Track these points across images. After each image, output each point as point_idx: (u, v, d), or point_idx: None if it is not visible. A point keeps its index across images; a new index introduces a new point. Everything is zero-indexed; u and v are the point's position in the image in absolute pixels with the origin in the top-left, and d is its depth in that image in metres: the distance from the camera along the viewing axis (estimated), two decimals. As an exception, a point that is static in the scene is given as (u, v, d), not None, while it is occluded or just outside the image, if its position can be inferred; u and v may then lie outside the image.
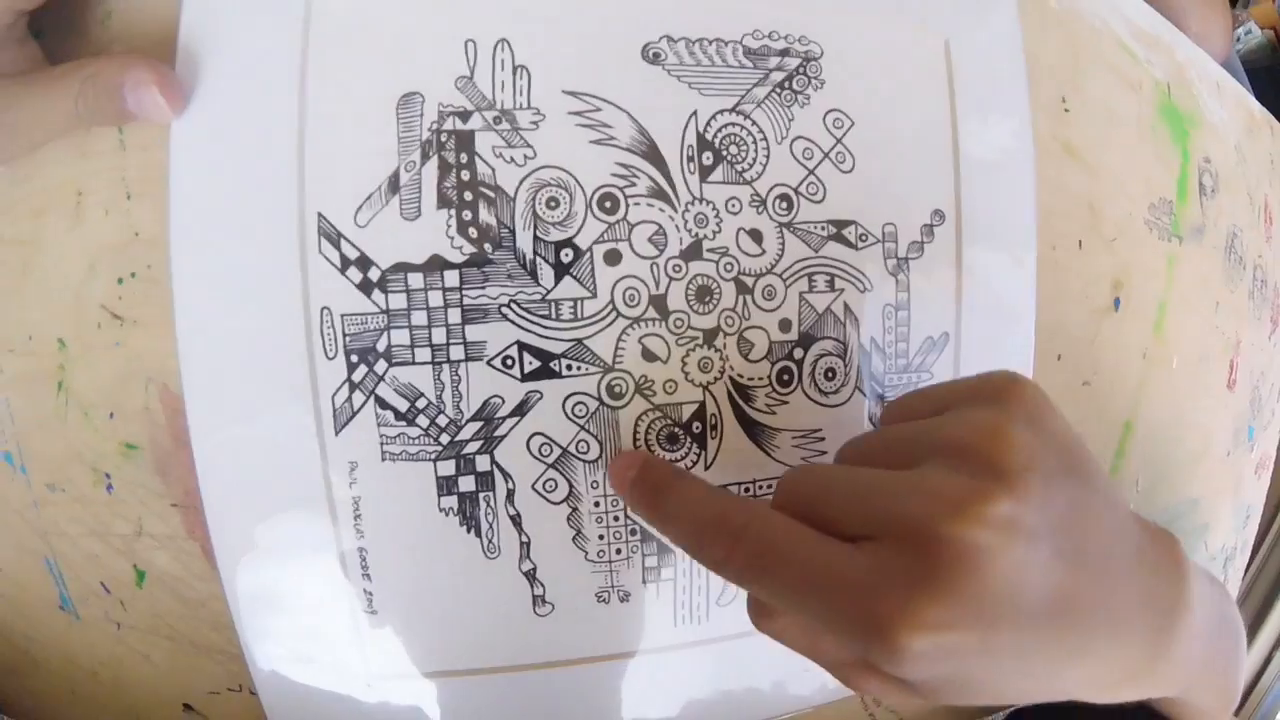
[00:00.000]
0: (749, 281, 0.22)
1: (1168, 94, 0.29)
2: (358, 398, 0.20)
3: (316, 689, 0.21)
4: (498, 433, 0.20)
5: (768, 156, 0.22)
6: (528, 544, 0.21)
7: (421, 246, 0.20)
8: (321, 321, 0.19)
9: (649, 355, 0.21)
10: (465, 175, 0.20)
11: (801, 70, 0.22)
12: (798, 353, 0.22)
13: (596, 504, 0.21)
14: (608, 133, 0.20)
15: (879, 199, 0.23)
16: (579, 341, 0.21)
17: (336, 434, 0.20)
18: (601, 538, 0.22)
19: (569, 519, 0.21)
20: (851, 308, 0.23)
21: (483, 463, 0.20)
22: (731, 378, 0.22)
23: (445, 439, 0.20)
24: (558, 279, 0.20)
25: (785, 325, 0.22)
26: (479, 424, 0.20)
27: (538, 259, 0.20)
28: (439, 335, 0.20)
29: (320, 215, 0.19)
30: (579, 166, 0.20)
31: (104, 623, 0.22)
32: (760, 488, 0.23)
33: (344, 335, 0.19)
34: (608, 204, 0.20)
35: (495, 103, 0.20)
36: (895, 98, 0.23)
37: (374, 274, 0.19)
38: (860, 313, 0.23)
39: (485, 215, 0.20)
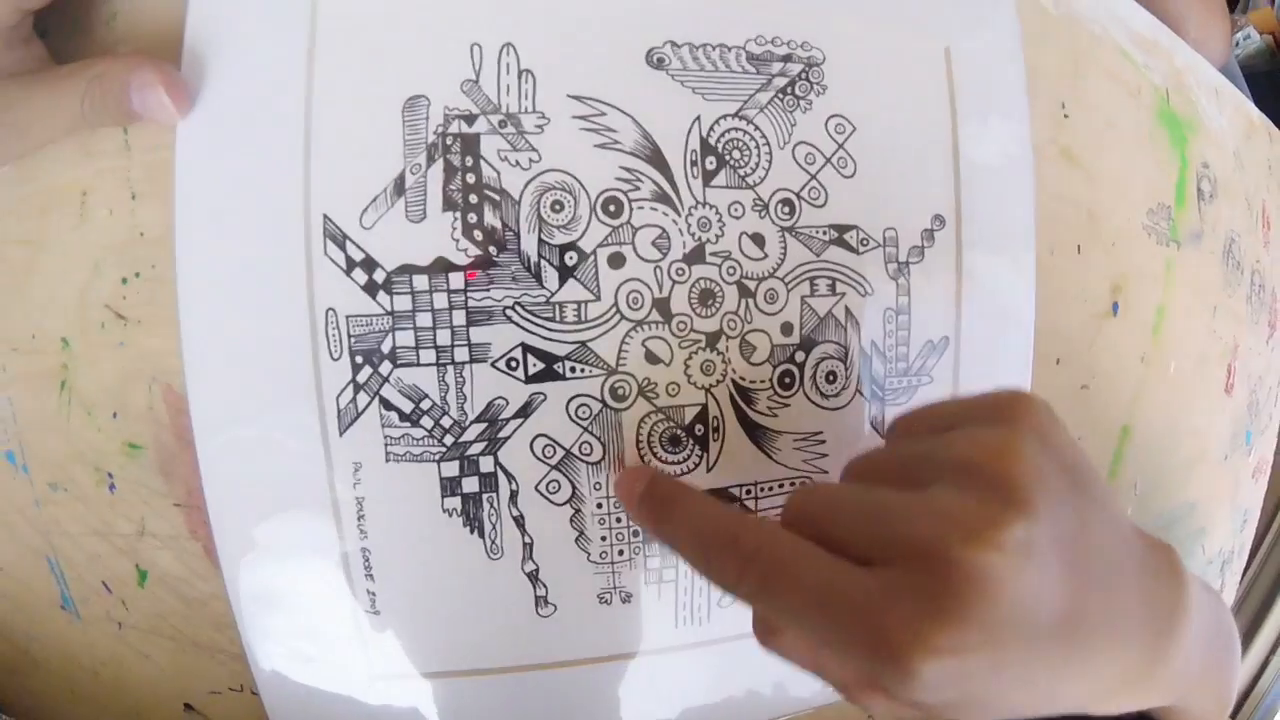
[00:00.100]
0: (751, 285, 0.22)
1: (1166, 100, 0.29)
2: (362, 399, 0.20)
3: (318, 689, 0.22)
4: (501, 434, 0.21)
5: (770, 161, 0.22)
6: (530, 545, 0.21)
7: (427, 248, 0.20)
8: (326, 323, 0.19)
9: (652, 358, 0.21)
10: (470, 178, 0.20)
11: (804, 76, 0.22)
12: (799, 356, 0.22)
13: (599, 505, 0.21)
14: (612, 137, 0.21)
15: (880, 204, 0.23)
16: (583, 344, 0.21)
17: (341, 435, 0.20)
18: (604, 539, 0.22)
19: (572, 520, 0.21)
20: (853, 311, 0.23)
21: (486, 464, 0.21)
22: (734, 380, 0.22)
23: (449, 440, 0.20)
24: (562, 282, 0.20)
25: (787, 329, 0.22)
26: (483, 425, 0.20)
27: (542, 262, 0.20)
28: (444, 337, 0.20)
29: (326, 217, 0.19)
30: (583, 170, 0.20)
31: (105, 622, 0.22)
32: (762, 490, 0.23)
33: (349, 336, 0.20)
34: (612, 208, 0.21)
35: (500, 106, 0.20)
36: (896, 103, 0.23)
37: (379, 276, 0.20)
38: (861, 316, 0.23)
39: (490, 218, 0.20)
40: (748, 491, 0.23)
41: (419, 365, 0.20)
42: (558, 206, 0.20)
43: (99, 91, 0.19)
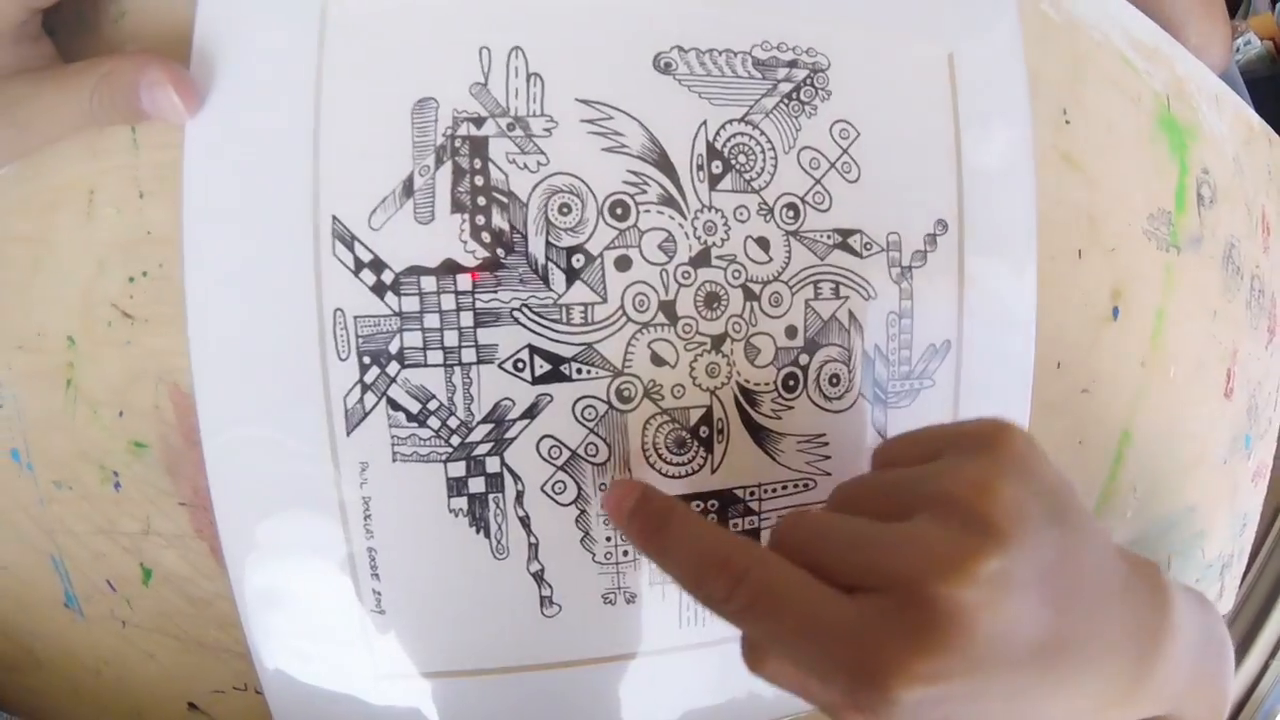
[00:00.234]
0: (756, 288, 0.22)
1: (1167, 106, 0.29)
2: (369, 399, 0.20)
3: (323, 688, 0.22)
4: (508, 435, 0.21)
5: (775, 166, 0.22)
6: (536, 545, 0.21)
7: (435, 250, 0.20)
8: (334, 323, 0.20)
9: (658, 360, 0.21)
10: (479, 181, 0.20)
11: (809, 81, 0.22)
12: (803, 359, 0.23)
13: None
14: (619, 141, 0.21)
15: (884, 208, 0.23)
16: (589, 346, 0.21)
17: (348, 435, 0.20)
18: (609, 539, 0.22)
19: (577, 521, 0.21)
20: (856, 315, 0.23)
21: (493, 464, 0.21)
22: (738, 383, 0.22)
23: (456, 440, 0.20)
24: (569, 284, 0.20)
25: (791, 332, 0.22)
26: (489, 426, 0.20)
27: (549, 264, 0.20)
28: (451, 338, 0.20)
29: (334, 218, 0.19)
30: (591, 173, 0.20)
31: (109, 621, 0.22)
32: (765, 491, 0.23)
33: (357, 337, 0.20)
34: (619, 211, 0.21)
35: (509, 109, 0.20)
36: (900, 109, 0.23)
37: (387, 277, 0.20)
38: (864, 320, 0.23)
39: (498, 220, 0.20)
40: (751, 493, 0.23)
41: (426, 366, 0.20)
42: (565, 209, 0.20)
43: (108, 90, 0.19)
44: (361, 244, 0.20)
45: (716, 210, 0.21)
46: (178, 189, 0.20)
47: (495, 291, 0.20)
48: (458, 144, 0.20)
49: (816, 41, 0.22)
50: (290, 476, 0.20)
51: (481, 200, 0.20)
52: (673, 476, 0.22)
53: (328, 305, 0.19)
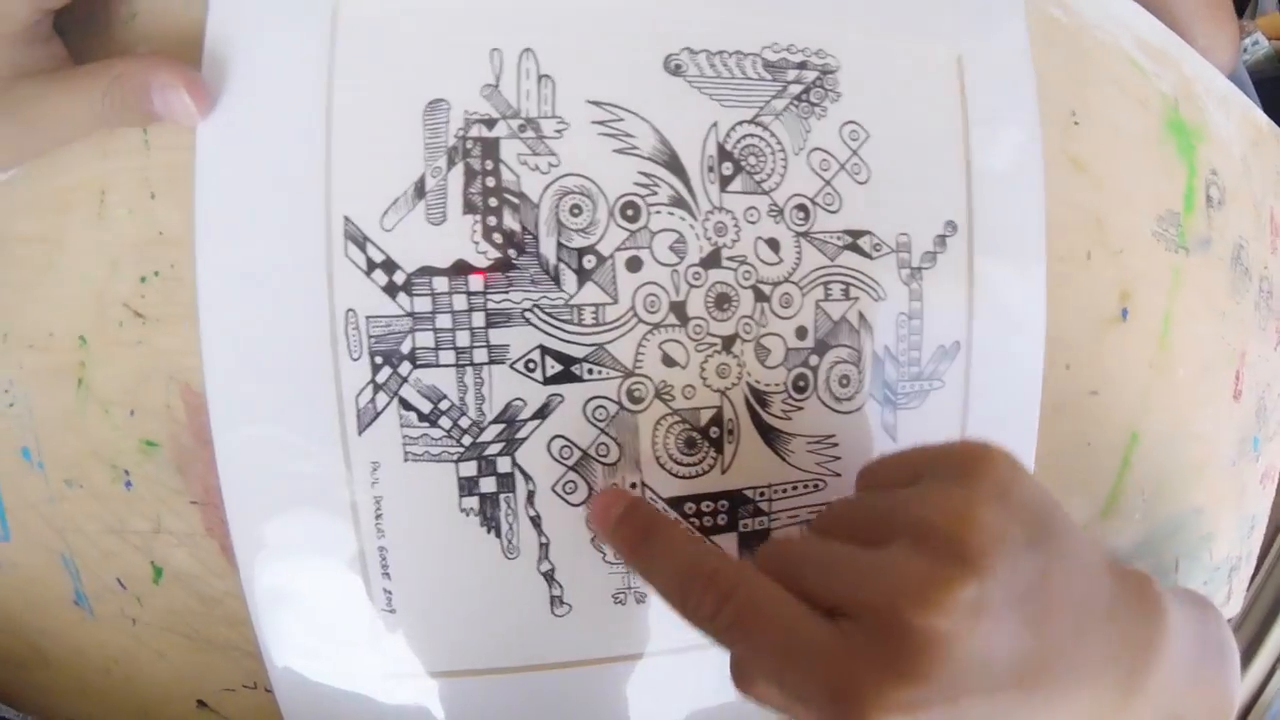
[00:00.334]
0: (767, 289, 0.22)
1: (1175, 108, 0.29)
2: (381, 399, 0.20)
3: (333, 687, 0.22)
4: (519, 435, 0.21)
5: (785, 167, 0.22)
6: (546, 545, 0.21)
7: (447, 251, 0.20)
8: (346, 323, 0.20)
9: (669, 361, 0.21)
10: (490, 182, 0.20)
11: (819, 83, 0.22)
12: (813, 360, 0.23)
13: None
14: (630, 142, 0.21)
15: (893, 209, 0.23)
16: (600, 346, 0.21)
17: (359, 434, 0.20)
18: (619, 540, 0.22)
19: (588, 521, 0.21)
20: (866, 316, 0.23)
21: (504, 464, 0.21)
22: (749, 384, 0.22)
23: (467, 440, 0.20)
24: (580, 285, 0.20)
25: (801, 333, 0.22)
26: (501, 426, 0.21)
27: (561, 265, 0.20)
28: (463, 338, 0.20)
29: (347, 218, 0.19)
30: (602, 175, 0.20)
31: (119, 619, 0.22)
32: (775, 492, 0.23)
33: (369, 337, 0.20)
34: (630, 212, 0.21)
35: (520, 111, 0.20)
36: (909, 110, 0.23)
37: (399, 277, 0.20)
38: (874, 321, 0.23)
39: (510, 221, 0.20)
40: (761, 494, 0.23)
41: (438, 366, 0.20)
42: (576, 210, 0.20)
43: (119, 92, 0.19)
44: (373, 244, 0.20)
45: (727, 211, 0.21)
46: (189, 190, 0.20)
47: (507, 292, 0.20)
48: (469, 145, 0.20)
49: (826, 43, 0.22)
50: (301, 476, 0.20)
51: (493, 201, 0.20)
52: (683, 477, 0.22)
53: (339, 305, 0.20)
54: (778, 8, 0.22)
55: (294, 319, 0.20)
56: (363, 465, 0.20)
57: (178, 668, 0.22)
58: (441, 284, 0.20)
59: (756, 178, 0.22)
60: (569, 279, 0.20)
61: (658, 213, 0.21)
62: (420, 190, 0.20)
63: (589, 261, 0.21)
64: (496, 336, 0.20)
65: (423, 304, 0.20)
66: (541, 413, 0.21)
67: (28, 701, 0.24)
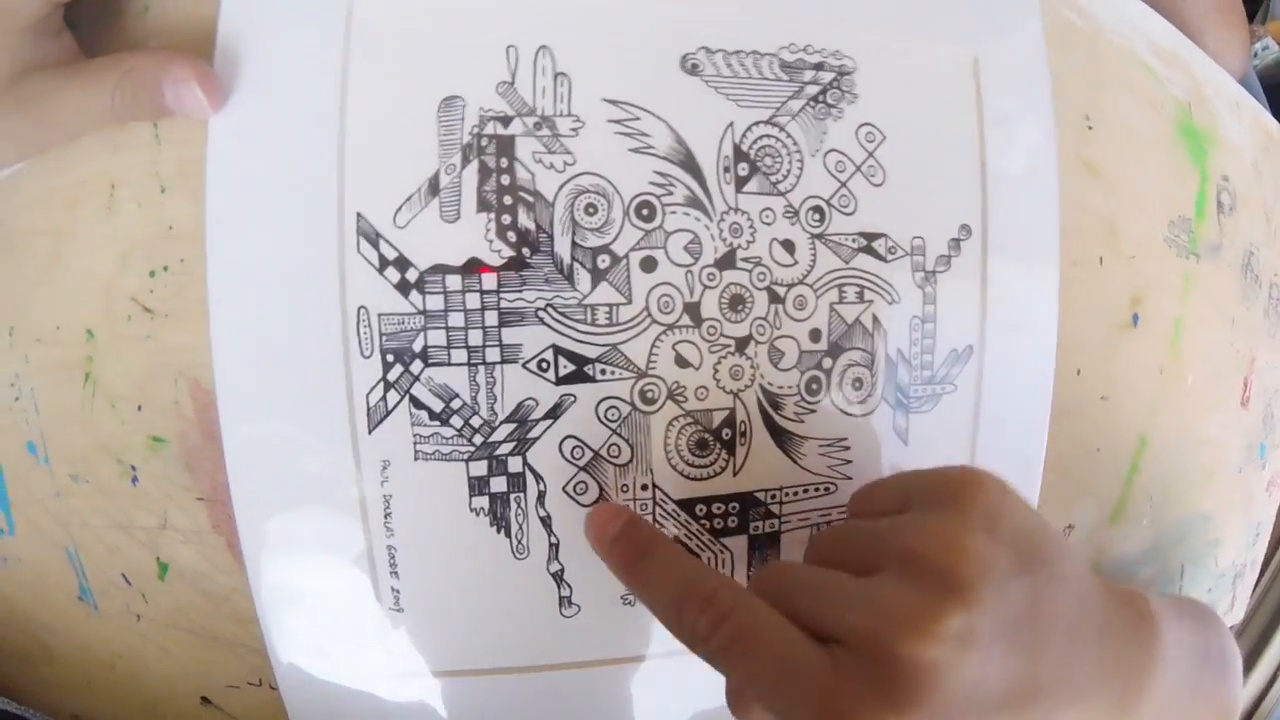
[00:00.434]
0: (781, 291, 0.22)
1: (1188, 113, 0.29)
2: (392, 397, 0.20)
3: (339, 685, 0.22)
4: (530, 435, 0.21)
5: (801, 168, 0.22)
6: (556, 545, 0.21)
7: (460, 249, 0.20)
8: (358, 320, 0.19)
9: (682, 362, 0.21)
10: (505, 180, 0.20)
11: (835, 84, 0.22)
12: (826, 362, 0.22)
13: (626, 507, 0.21)
14: (646, 141, 0.21)
15: (908, 212, 0.23)
16: (613, 347, 0.21)
17: (370, 432, 0.20)
18: (629, 541, 0.22)
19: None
20: (880, 319, 0.23)
21: (515, 464, 0.21)
22: (762, 386, 0.22)
23: (478, 440, 0.20)
24: (594, 284, 0.20)
25: (815, 335, 0.22)
26: (512, 426, 0.20)
27: (575, 264, 0.20)
28: (475, 337, 0.20)
29: (359, 215, 0.19)
30: (618, 174, 0.20)
31: (124, 615, 0.22)
32: (787, 495, 0.23)
33: (380, 335, 0.20)
34: (645, 212, 0.21)
35: (536, 109, 0.20)
36: (925, 112, 0.23)
37: (412, 275, 0.20)
38: (888, 324, 0.23)
39: (524, 220, 0.20)
40: (773, 496, 0.23)
41: (450, 365, 0.20)
42: (591, 209, 0.20)
43: (131, 86, 0.18)
44: (386, 242, 0.19)
45: (742, 212, 0.21)
46: (200, 184, 0.19)
47: (520, 291, 0.20)
48: (484, 143, 0.20)
49: (843, 44, 0.22)
50: (310, 473, 0.20)
51: (508, 199, 0.20)
52: (694, 478, 0.22)
53: (351, 303, 0.19)
54: (795, 8, 0.22)
55: (305, 316, 0.19)
56: (372, 463, 0.20)
57: (183, 664, 0.22)
58: (454, 282, 0.20)
59: (772, 179, 0.22)
60: (583, 278, 0.20)
61: (673, 213, 0.21)
62: (434, 187, 0.20)
63: (603, 261, 0.20)
64: (509, 335, 0.20)
65: (435, 302, 0.20)
66: (553, 413, 0.21)
67: (33, 696, 0.24)
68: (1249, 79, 0.41)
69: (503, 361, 0.20)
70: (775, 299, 0.22)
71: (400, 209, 0.19)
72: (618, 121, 0.20)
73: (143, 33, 0.20)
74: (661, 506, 0.22)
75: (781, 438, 0.22)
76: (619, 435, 0.21)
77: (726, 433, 0.22)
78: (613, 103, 0.20)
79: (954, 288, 0.23)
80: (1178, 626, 0.20)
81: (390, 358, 0.20)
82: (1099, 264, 0.26)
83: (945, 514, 0.17)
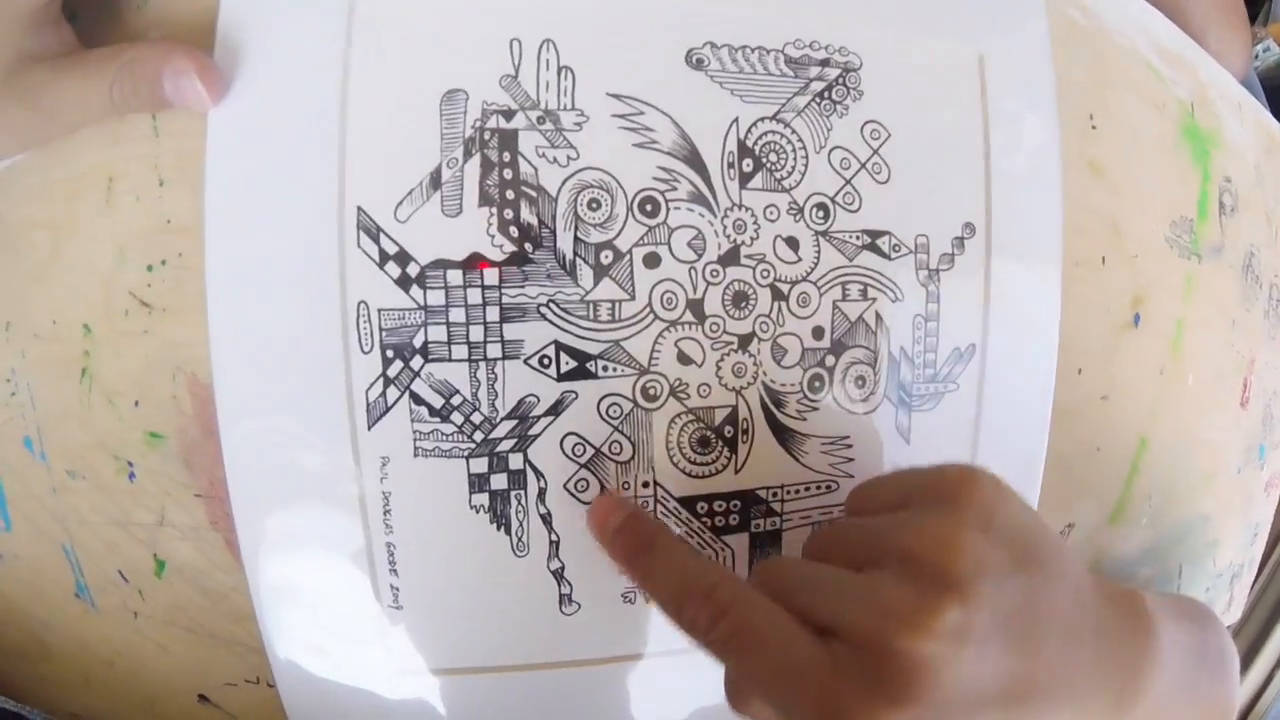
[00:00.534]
0: (784, 288, 0.22)
1: (1191, 114, 0.29)
2: (392, 393, 0.20)
3: (337, 683, 0.21)
4: (531, 431, 0.20)
5: (806, 165, 0.22)
6: (557, 543, 0.21)
7: (462, 243, 0.20)
8: (358, 315, 0.19)
9: (684, 358, 0.21)
10: (507, 174, 0.20)
11: (841, 81, 0.22)
12: (829, 360, 0.22)
13: (628, 499, 0.21)
14: (650, 136, 0.20)
15: (912, 210, 0.23)
16: (616, 343, 0.21)
17: (369, 429, 0.20)
18: (630, 539, 0.22)
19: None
20: (883, 317, 0.23)
21: (515, 461, 0.20)
22: (764, 383, 0.22)
23: (479, 436, 0.20)
24: (597, 280, 0.20)
25: (818, 333, 0.22)
26: (513, 422, 0.20)
27: (578, 260, 0.20)
28: (476, 333, 0.20)
29: (360, 209, 0.19)
30: (621, 169, 0.20)
31: (121, 612, 0.22)
32: (788, 493, 0.23)
33: (380, 330, 0.19)
34: (648, 207, 0.20)
35: (539, 103, 0.20)
36: (930, 110, 0.23)
37: (413, 270, 0.19)
38: (891, 322, 0.23)
39: (527, 214, 0.20)
40: (774, 494, 0.23)
41: (451, 361, 0.20)
42: (595, 205, 0.20)
43: (130, 78, 0.18)
44: (387, 236, 0.19)
45: (746, 209, 0.21)
46: (199, 178, 0.19)
47: (522, 286, 0.20)
48: (487, 136, 0.20)
49: (849, 41, 0.22)
50: (309, 470, 0.20)
51: (510, 194, 0.20)
52: (696, 476, 0.22)
53: (351, 297, 0.19)
54: (801, 4, 0.22)
55: (304, 310, 0.19)
56: (372, 460, 0.20)
57: (181, 661, 0.22)
58: (455, 277, 0.20)
59: (777, 175, 0.21)
60: (585, 274, 0.20)
61: (677, 209, 0.21)
62: (436, 181, 0.19)
63: (606, 257, 0.20)
64: (510, 331, 0.20)
65: (436, 297, 0.19)
66: (555, 409, 0.20)
67: (30, 694, 0.24)
68: (1250, 80, 0.41)
69: (504, 358, 0.20)
70: (778, 296, 0.22)
71: (401, 203, 0.19)
72: (622, 116, 0.20)
73: (142, 24, 0.20)
74: (663, 504, 0.22)
75: (783, 435, 0.22)
76: (620, 432, 0.21)
77: (728, 430, 0.22)
78: (617, 97, 0.20)
79: (957, 286, 0.23)
80: (1175, 626, 0.20)
81: (390, 353, 0.19)
82: (1101, 264, 0.26)
83: (941, 511, 0.18)
